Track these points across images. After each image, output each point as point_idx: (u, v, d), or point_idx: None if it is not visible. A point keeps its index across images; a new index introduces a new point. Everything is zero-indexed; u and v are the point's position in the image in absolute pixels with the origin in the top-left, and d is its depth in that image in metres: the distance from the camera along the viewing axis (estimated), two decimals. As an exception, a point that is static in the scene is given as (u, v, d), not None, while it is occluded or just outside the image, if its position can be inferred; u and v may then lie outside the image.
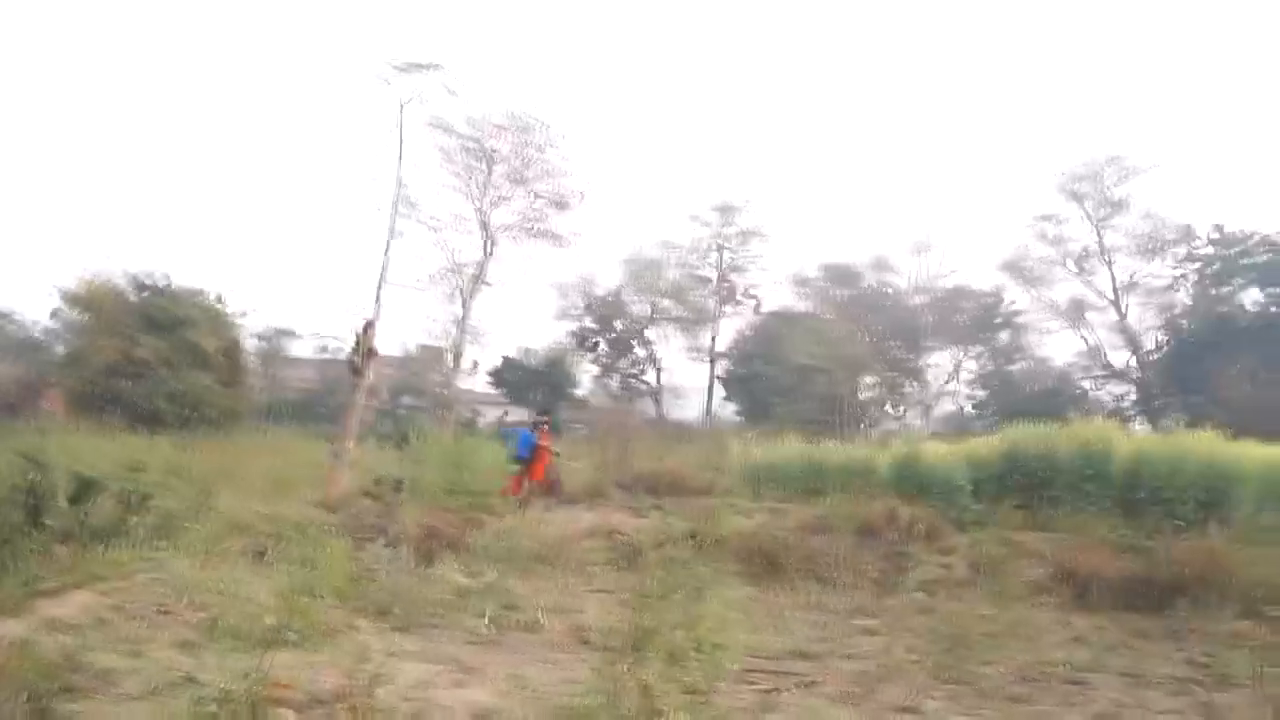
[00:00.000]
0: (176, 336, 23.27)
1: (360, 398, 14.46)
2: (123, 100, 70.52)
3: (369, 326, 14.24)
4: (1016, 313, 37.70)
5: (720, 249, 37.82)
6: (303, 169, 74.13)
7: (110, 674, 4.77)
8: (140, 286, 24.59)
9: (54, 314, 28.03)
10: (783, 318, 36.46)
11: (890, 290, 40.18)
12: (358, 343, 14.17)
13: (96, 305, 23.89)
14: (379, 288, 16.02)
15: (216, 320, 25.07)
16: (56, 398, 24.82)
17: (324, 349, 34.91)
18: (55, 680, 4.43)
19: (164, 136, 72.01)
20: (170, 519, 8.64)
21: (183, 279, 25.67)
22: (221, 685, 4.09)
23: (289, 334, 35.39)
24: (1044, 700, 5.32)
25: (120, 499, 8.27)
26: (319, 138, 68.33)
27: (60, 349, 27.26)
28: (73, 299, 24.56)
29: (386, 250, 16.61)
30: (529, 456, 13.67)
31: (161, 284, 24.79)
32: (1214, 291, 32.83)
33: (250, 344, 29.40)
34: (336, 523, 9.32)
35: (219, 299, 25.81)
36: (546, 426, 14.68)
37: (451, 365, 30.71)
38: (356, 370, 14.22)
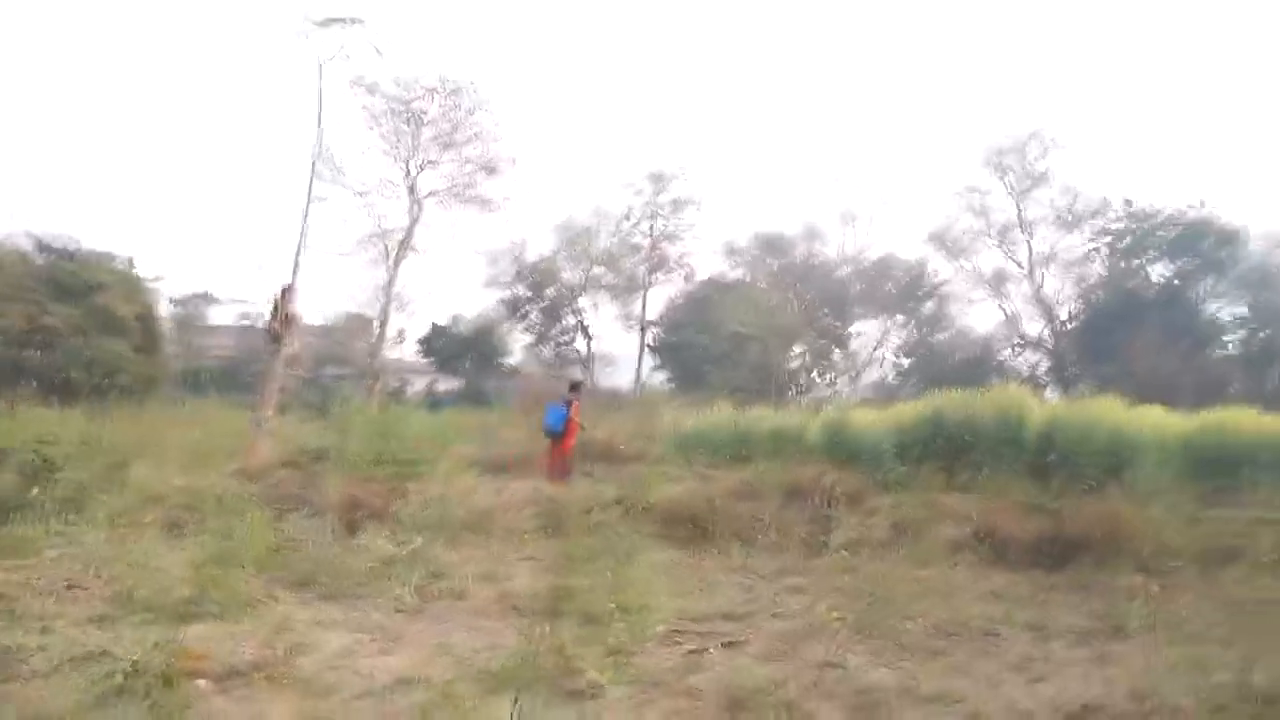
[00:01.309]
0: (87, 303, 22.27)
1: (279, 365, 14.07)
2: (26, 51, 66.35)
3: (287, 291, 13.83)
4: (941, 283, 38.73)
5: (653, 217, 37.78)
6: (221, 128, 71.09)
7: (15, 651, 4.57)
8: (46, 250, 23.43)
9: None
10: (714, 286, 36.68)
11: (819, 260, 40.83)
12: (276, 308, 13.76)
13: (-3, 269, 22.65)
14: (298, 253, 15.58)
15: (130, 286, 24.08)
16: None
17: (244, 316, 33.95)
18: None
19: (70, 91, 68.10)
20: (80, 491, 8.32)
21: (92, 242, 24.63)
22: (133, 658, 3.96)
23: (207, 300, 34.31)
24: (960, 652, 5.54)
25: (22, 471, 7.93)
26: (238, 94, 65.69)
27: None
28: (-29, 263, 23.23)
29: (306, 214, 16.17)
30: (561, 431, 12.76)
31: (69, 248, 23.67)
32: (1124, 264, 34.09)
33: (166, 310, 28.42)
34: (257, 493, 9.09)
35: (131, 263, 24.82)
36: (577, 399, 13.47)
37: (378, 334, 30.13)
38: (275, 337, 13.82)
